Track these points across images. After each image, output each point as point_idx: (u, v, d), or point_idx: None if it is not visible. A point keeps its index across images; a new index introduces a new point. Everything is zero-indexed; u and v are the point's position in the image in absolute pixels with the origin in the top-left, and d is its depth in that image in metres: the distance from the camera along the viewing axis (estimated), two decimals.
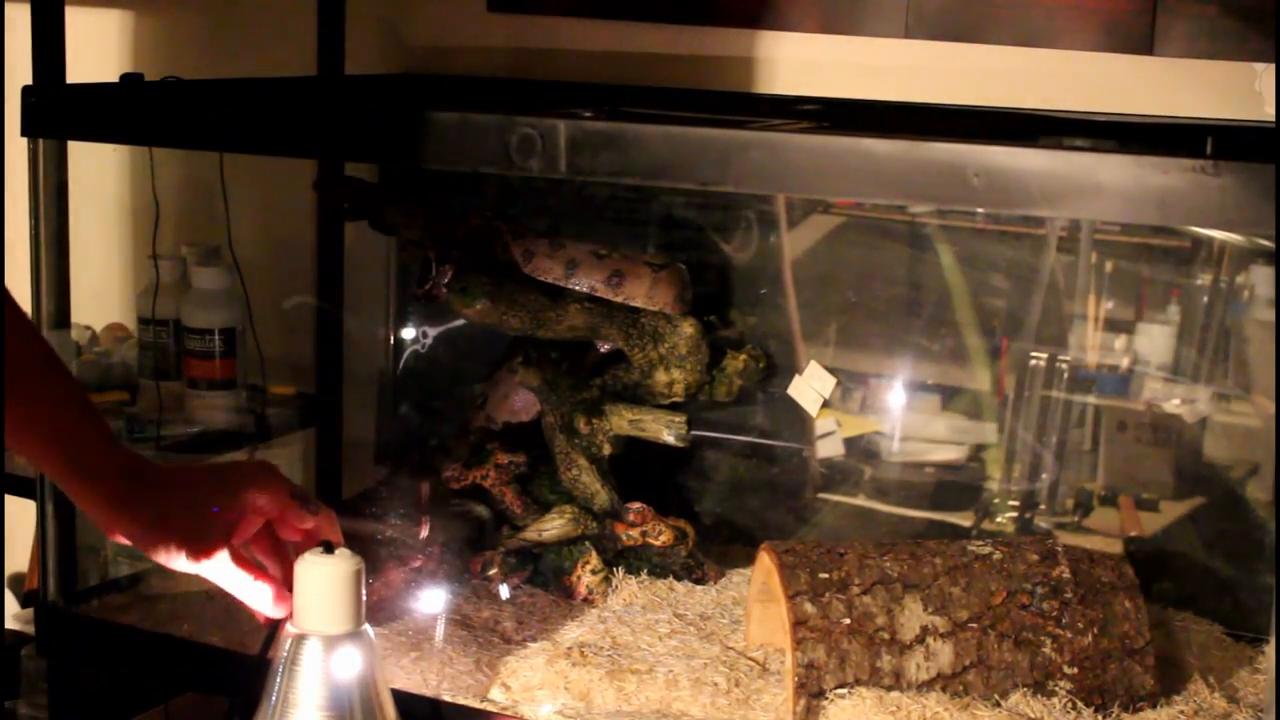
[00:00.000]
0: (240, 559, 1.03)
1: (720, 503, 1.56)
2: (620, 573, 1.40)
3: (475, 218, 1.43)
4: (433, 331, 1.62)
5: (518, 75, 1.63)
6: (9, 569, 1.80)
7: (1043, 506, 1.49)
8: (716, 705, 1.19)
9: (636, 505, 1.40)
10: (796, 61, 1.53)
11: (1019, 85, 1.45)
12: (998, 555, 1.21)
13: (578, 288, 1.38)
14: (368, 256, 1.71)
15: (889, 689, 1.15)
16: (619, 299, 1.38)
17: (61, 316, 1.36)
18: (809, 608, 1.16)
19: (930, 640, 1.16)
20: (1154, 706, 1.18)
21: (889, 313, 1.51)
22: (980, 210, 1.42)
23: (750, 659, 1.27)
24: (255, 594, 1.04)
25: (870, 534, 1.49)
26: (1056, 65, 1.43)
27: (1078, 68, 1.42)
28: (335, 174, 1.62)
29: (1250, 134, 1.33)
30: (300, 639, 1.01)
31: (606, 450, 1.40)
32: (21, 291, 1.12)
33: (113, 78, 1.39)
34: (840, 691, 1.15)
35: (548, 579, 1.40)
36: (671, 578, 1.42)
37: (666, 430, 1.38)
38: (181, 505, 1.01)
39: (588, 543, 1.39)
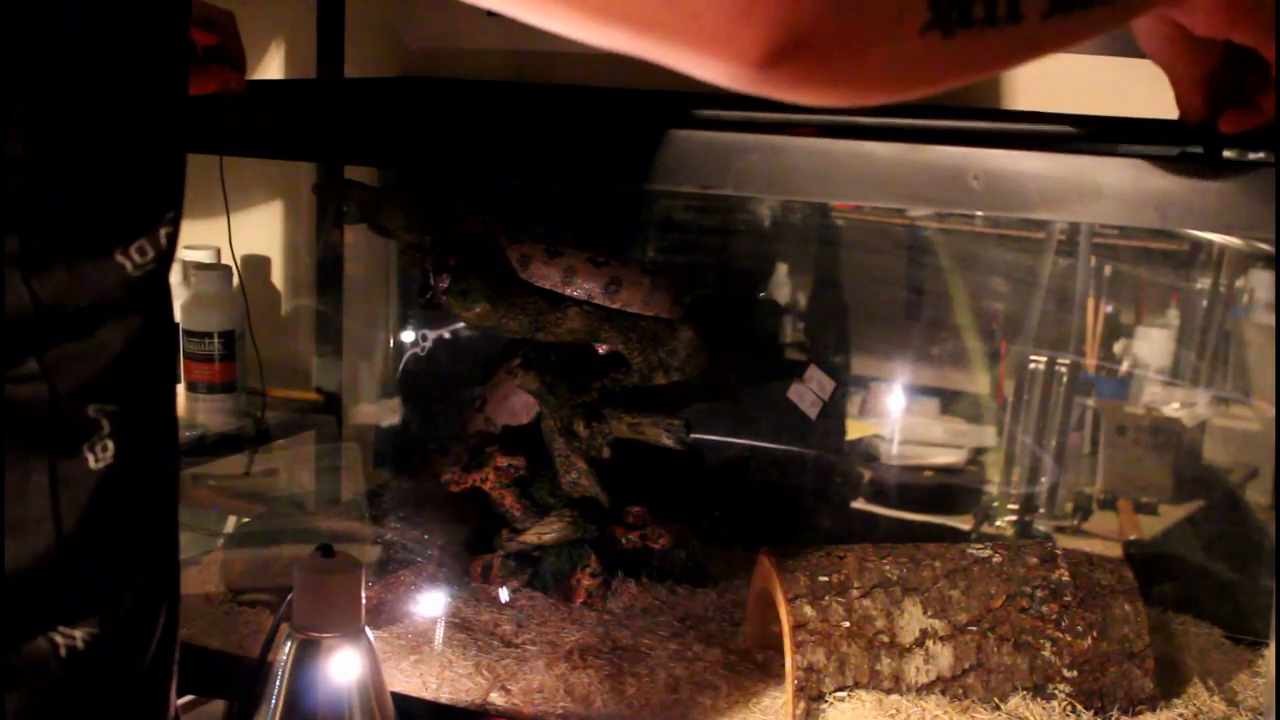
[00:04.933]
0: None
1: (720, 505, 1.56)
2: (620, 576, 1.40)
3: (475, 221, 1.43)
4: (432, 334, 1.62)
5: (519, 79, 1.63)
6: None
7: (1042, 510, 1.49)
8: (717, 708, 1.19)
9: (636, 509, 1.40)
10: None
11: (1017, 88, 1.45)
12: (997, 558, 1.21)
13: (575, 294, 1.38)
14: (368, 259, 1.71)
15: (888, 692, 1.15)
16: (616, 305, 1.38)
17: None
18: (808, 611, 1.16)
19: (930, 643, 1.16)
20: (1153, 710, 1.18)
21: (888, 315, 1.51)
22: (980, 213, 1.42)
23: (750, 662, 1.27)
24: None
25: (870, 537, 1.49)
26: (1055, 67, 1.43)
27: (1076, 70, 1.42)
28: (335, 177, 1.62)
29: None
30: (300, 642, 1.01)
31: (606, 453, 1.40)
32: None
33: None
34: (840, 694, 1.15)
35: (547, 582, 1.40)
36: (671, 581, 1.42)
37: (666, 433, 1.38)
38: None
39: (587, 546, 1.39)
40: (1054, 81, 1.43)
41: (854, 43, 0.47)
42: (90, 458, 0.56)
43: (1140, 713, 1.17)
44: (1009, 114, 1.43)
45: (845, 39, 0.47)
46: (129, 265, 0.56)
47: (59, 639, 0.56)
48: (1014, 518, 1.50)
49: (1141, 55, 0.90)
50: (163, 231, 0.58)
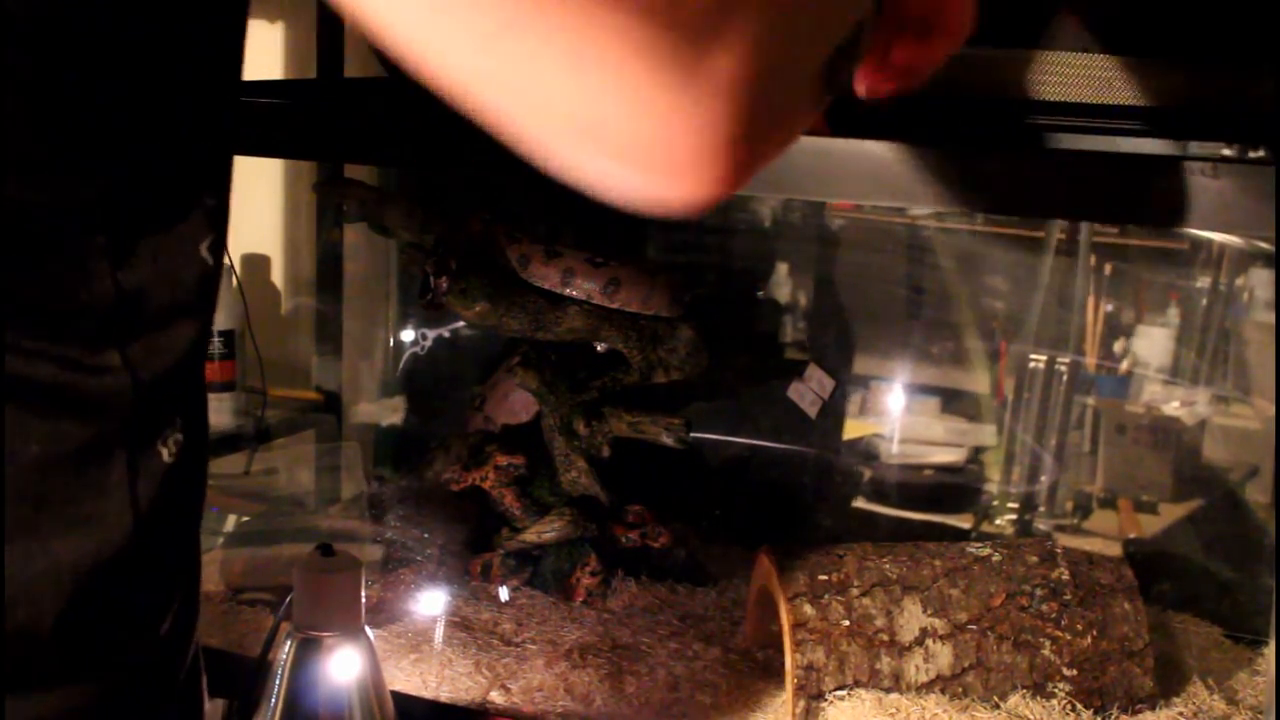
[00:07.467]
0: None
1: (720, 504, 1.56)
2: (620, 574, 1.40)
3: (475, 220, 1.44)
4: (432, 333, 1.62)
5: None
6: None
7: (1042, 508, 1.49)
8: (717, 706, 1.19)
9: (636, 507, 1.40)
10: None
11: (1018, 87, 1.45)
12: (997, 557, 1.21)
13: (574, 294, 1.38)
14: (368, 259, 1.71)
15: (888, 691, 1.15)
16: (615, 305, 1.38)
17: None
18: (808, 609, 1.16)
19: (929, 642, 1.16)
20: (1153, 708, 1.18)
21: (888, 315, 1.51)
22: (980, 213, 1.42)
23: (750, 660, 1.27)
24: None
25: (870, 536, 1.49)
26: (1055, 66, 1.43)
27: (1075, 68, 1.42)
28: (335, 177, 1.62)
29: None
30: (300, 641, 1.01)
31: (606, 452, 1.40)
32: None
33: None
34: (839, 693, 1.15)
35: (547, 581, 1.40)
36: (671, 579, 1.42)
37: (665, 432, 1.38)
38: None
39: (587, 544, 1.39)
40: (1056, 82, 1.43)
41: (790, 139, 0.51)
42: (164, 451, 0.55)
43: (1140, 711, 1.17)
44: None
45: (786, 142, 0.50)
46: (211, 261, 0.56)
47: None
48: (1014, 516, 1.50)
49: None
50: (227, 231, 0.59)
